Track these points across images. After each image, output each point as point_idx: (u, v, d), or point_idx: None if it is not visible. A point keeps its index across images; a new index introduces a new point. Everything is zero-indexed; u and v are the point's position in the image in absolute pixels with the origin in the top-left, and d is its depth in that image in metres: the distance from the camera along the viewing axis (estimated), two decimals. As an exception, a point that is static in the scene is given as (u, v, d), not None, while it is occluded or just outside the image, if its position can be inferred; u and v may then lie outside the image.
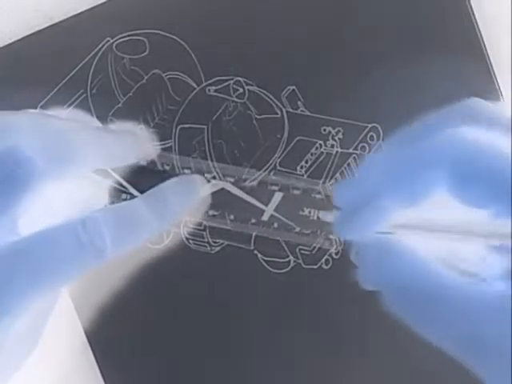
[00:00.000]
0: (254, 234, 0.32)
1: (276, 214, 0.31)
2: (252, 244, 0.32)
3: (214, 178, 0.32)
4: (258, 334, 0.33)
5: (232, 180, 0.31)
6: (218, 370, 0.33)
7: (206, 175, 0.31)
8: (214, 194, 0.31)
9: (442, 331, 0.21)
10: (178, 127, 0.32)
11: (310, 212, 0.31)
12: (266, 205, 0.31)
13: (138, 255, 0.33)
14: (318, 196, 0.31)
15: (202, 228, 0.33)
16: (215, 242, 0.33)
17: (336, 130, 0.32)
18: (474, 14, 0.31)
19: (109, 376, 0.33)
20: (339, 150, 0.32)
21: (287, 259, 0.32)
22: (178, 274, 0.33)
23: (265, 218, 0.31)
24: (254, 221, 0.31)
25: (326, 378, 0.33)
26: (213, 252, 0.33)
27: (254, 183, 0.31)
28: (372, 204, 0.23)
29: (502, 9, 0.32)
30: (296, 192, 0.31)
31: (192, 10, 0.32)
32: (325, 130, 0.32)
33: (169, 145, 0.32)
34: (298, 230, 0.31)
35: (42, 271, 0.24)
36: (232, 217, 0.32)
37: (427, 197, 0.22)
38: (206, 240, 0.33)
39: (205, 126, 0.32)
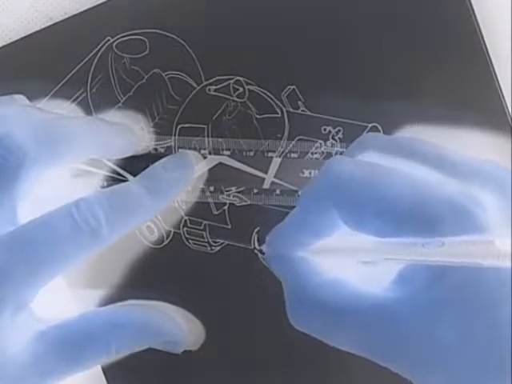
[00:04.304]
0: (255, 231, 0.32)
1: (277, 181, 0.31)
2: (252, 244, 0.32)
3: (210, 153, 0.32)
4: (258, 333, 0.33)
5: (228, 153, 0.31)
6: (219, 370, 0.33)
7: (201, 152, 0.32)
8: (211, 169, 0.32)
9: (347, 341, 0.23)
10: (178, 127, 0.32)
11: (310, 173, 0.31)
12: (266, 172, 0.31)
13: (138, 255, 0.33)
14: (316, 156, 0.31)
15: (201, 228, 0.32)
16: (215, 242, 0.33)
17: (336, 129, 0.32)
18: (474, 13, 0.31)
19: (111, 375, 0.33)
20: (339, 149, 0.32)
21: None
22: (178, 274, 0.33)
23: (266, 185, 0.31)
24: (255, 191, 0.31)
25: (326, 378, 0.33)
26: (213, 252, 0.33)
27: (251, 153, 0.31)
28: (291, 234, 0.24)
29: (503, 9, 0.32)
30: (293, 155, 0.31)
31: (192, 10, 0.32)
32: (325, 129, 0.32)
33: (169, 144, 0.32)
34: (300, 193, 0.31)
35: (40, 255, 0.24)
36: (233, 189, 0.32)
37: (333, 230, 0.23)
38: (206, 240, 0.33)
39: (205, 126, 0.32)
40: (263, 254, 0.32)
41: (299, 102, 0.32)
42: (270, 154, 0.32)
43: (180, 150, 0.32)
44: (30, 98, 0.31)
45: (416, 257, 0.21)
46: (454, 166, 0.23)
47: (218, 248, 0.33)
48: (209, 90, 0.32)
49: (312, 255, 0.24)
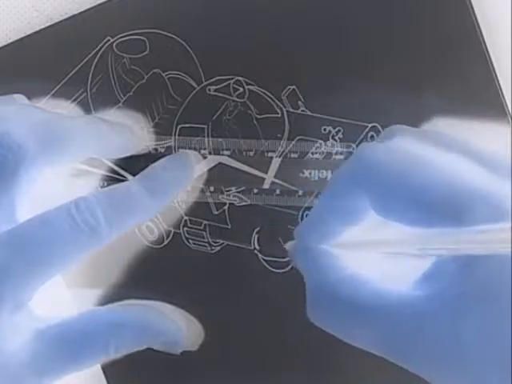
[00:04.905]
0: (255, 231, 0.32)
1: (277, 181, 0.31)
2: (252, 244, 0.32)
3: (210, 153, 0.32)
4: (257, 334, 0.33)
5: (228, 153, 0.31)
6: (218, 370, 0.33)
7: (201, 152, 0.32)
8: (211, 169, 0.32)
9: (366, 339, 0.22)
10: (179, 127, 0.32)
11: (310, 173, 0.31)
12: (266, 172, 0.31)
13: (138, 255, 0.33)
14: (316, 156, 0.31)
15: (201, 228, 0.32)
16: (215, 242, 0.33)
17: (336, 129, 0.32)
18: (474, 13, 0.31)
19: (111, 374, 0.33)
20: (339, 149, 0.32)
21: (287, 258, 0.32)
22: (178, 274, 0.33)
23: (266, 185, 0.31)
24: (255, 191, 0.31)
25: (326, 379, 0.33)
26: (213, 252, 0.33)
27: (251, 153, 0.31)
28: (318, 222, 0.24)
29: (503, 8, 0.32)
30: (293, 155, 0.31)
31: (192, 10, 0.32)
32: (325, 129, 0.32)
33: (169, 144, 0.32)
34: (300, 193, 0.31)
35: (39, 254, 0.24)
36: (233, 189, 0.32)
37: (361, 218, 0.23)
38: (206, 240, 0.33)
39: (205, 126, 0.32)
40: (263, 254, 0.32)
41: (299, 102, 0.32)
42: (270, 154, 0.32)
43: (180, 149, 0.32)
44: (30, 98, 0.31)
45: (447, 245, 0.20)
46: (485, 159, 0.22)
47: (218, 248, 0.33)
48: (209, 89, 0.32)
49: (338, 249, 0.24)
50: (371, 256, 0.24)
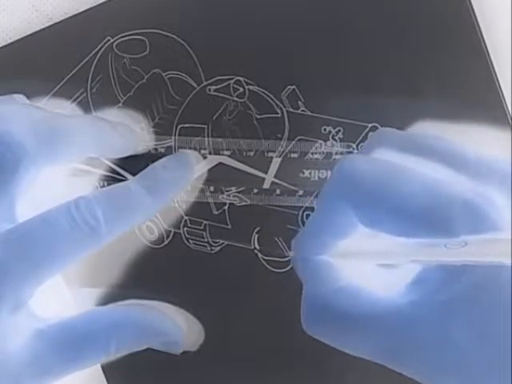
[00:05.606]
0: (255, 231, 0.32)
1: (277, 181, 0.31)
2: (252, 244, 0.32)
3: (210, 153, 0.32)
4: (257, 333, 0.33)
5: (228, 153, 0.31)
6: (218, 370, 0.33)
7: (201, 152, 0.32)
8: (211, 169, 0.32)
9: (361, 348, 0.22)
10: (179, 127, 0.32)
11: (310, 173, 0.31)
12: (266, 172, 0.31)
13: (138, 255, 0.33)
14: (316, 156, 0.31)
15: (201, 228, 0.32)
16: (215, 242, 0.33)
17: (336, 129, 0.32)
18: (474, 13, 0.31)
19: (111, 374, 0.33)
20: (339, 149, 0.32)
21: (287, 258, 0.32)
22: (178, 274, 0.33)
23: (266, 185, 0.31)
24: (255, 191, 0.31)
25: (326, 379, 0.33)
26: (213, 252, 0.33)
27: (251, 153, 0.31)
28: (312, 236, 0.24)
29: (503, 8, 0.32)
30: (294, 155, 0.31)
31: (192, 10, 0.32)
32: (325, 129, 0.32)
33: (169, 144, 0.32)
34: (300, 193, 0.31)
35: (38, 253, 0.24)
36: (233, 189, 0.32)
37: (352, 230, 0.23)
38: (206, 240, 0.33)
39: (205, 126, 0.32)
40: (263, 254, 0.32)
41: (299, 102, 0.32)
42: (270, 154, 0.32)
43: (180, 149, 0.32)
44: (30, 98, 0.31)
45: (439, 257, 0.21)
46: (468, 164, 0.22)
47: (218, 248, 0.33)
48: (209, 89, 0.32)
49: (334, 259, 0.24)
50: (367, 264, 0.24)
